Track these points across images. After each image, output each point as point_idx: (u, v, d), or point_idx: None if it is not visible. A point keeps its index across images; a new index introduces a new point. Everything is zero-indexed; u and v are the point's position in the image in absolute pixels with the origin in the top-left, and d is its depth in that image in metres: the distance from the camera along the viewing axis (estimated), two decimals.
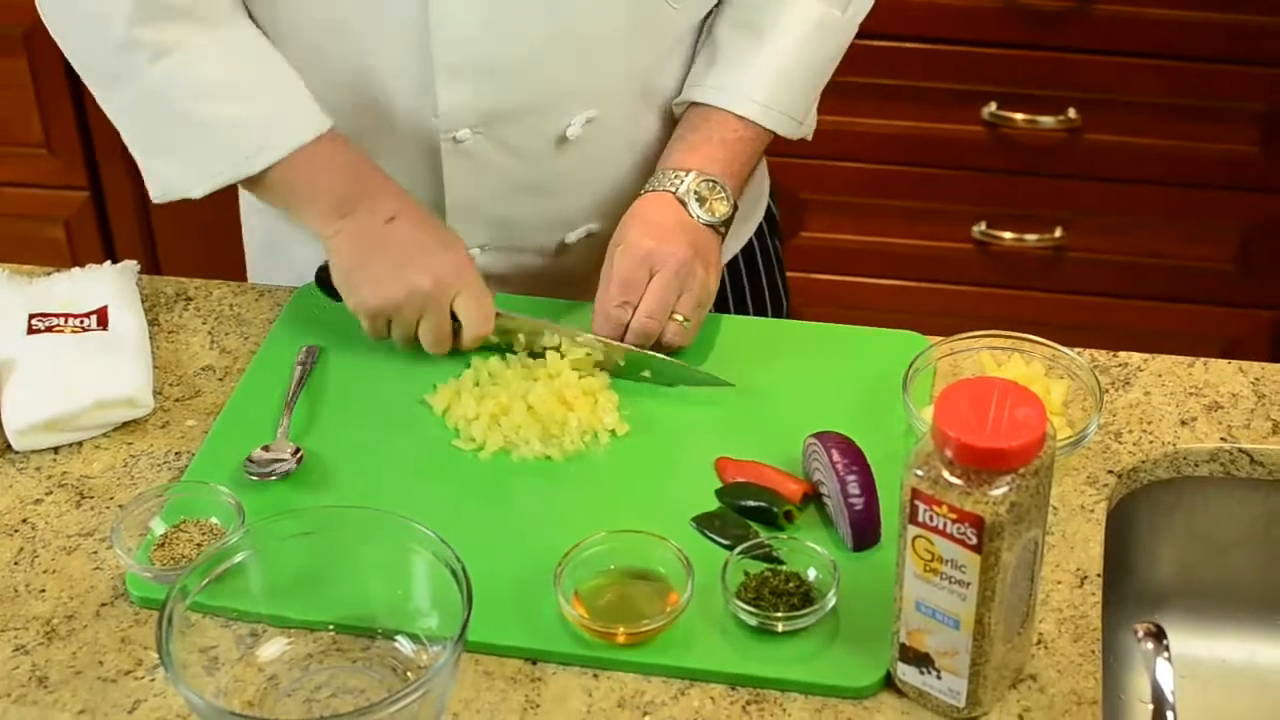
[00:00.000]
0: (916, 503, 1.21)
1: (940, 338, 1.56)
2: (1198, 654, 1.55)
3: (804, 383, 1.57)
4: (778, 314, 1.89)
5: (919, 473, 1.21)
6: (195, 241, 2.85)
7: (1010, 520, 1.19)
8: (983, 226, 2.70)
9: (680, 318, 1.56)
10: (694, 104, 1.66)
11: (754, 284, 1.84)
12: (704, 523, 1.43)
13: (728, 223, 1.62)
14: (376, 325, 1.57)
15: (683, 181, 1.60)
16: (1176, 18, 2.50)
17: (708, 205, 1.60)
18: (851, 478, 1.40)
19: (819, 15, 1.66)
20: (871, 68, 2.53)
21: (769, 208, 1.88)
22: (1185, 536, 1.55)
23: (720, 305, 1.78)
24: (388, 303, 1.55)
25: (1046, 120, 2.59)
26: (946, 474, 1.20)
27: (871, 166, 2.61)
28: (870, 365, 1.58)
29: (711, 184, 1.61)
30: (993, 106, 2.59)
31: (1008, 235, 2.70)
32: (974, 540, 1.19)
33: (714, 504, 1.45)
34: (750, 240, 1.84)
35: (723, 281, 1.79)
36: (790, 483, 1.44)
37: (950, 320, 2.31)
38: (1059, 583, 1.39)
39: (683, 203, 1.59)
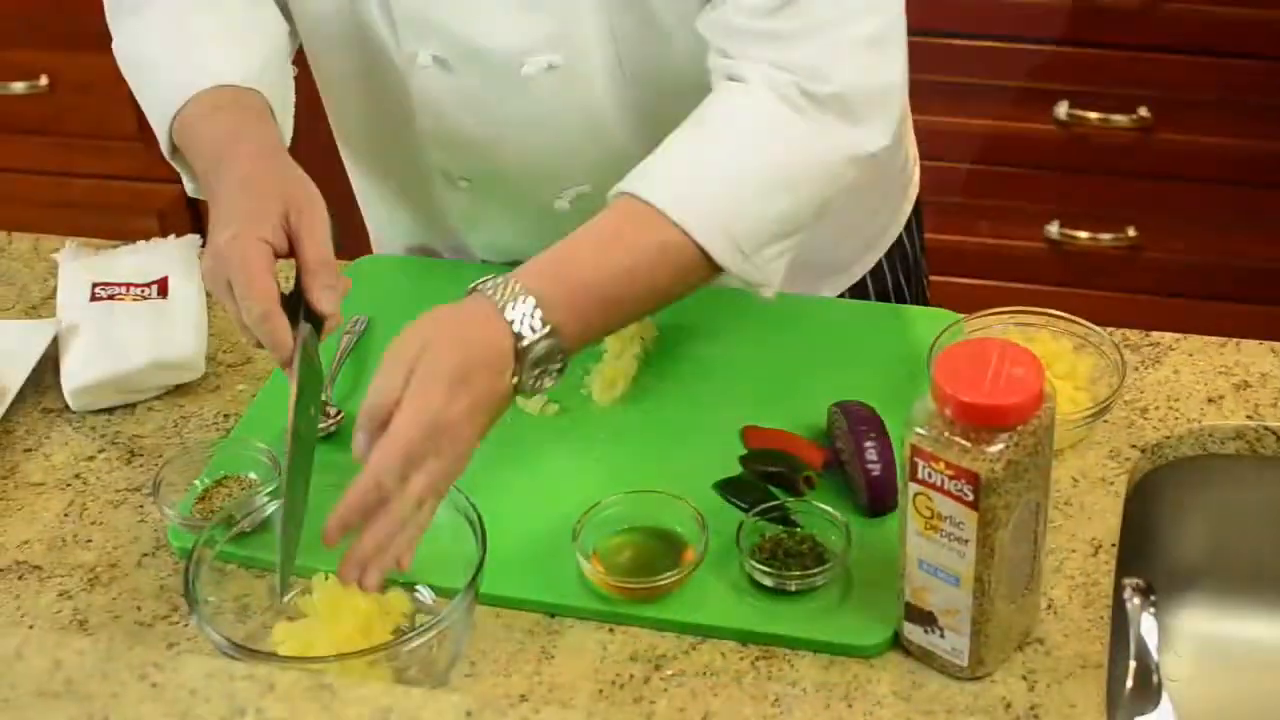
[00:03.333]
0: (916, 460, 1.24)
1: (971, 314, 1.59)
2: (1223, 632, 1.56)
3: (835, 356, 1.60)
4: None
5: (920, 431, 1.23)
6: None
7: (1007, 477, 1.21)
8: (1056, 226, 2.71)
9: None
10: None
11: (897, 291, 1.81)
12: (726, 487, 1.46)
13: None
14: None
15: (518, 306, 1.33)
16: (1247, 16, 2.50)
17: (540, 372, 1.34)
18: (870, 444, 1.42)
19: (770, 114, 1.43)
20: (944, 66, 2.54)
21: (917, 205, 1.82)
22: (1211, 514, 1.56)
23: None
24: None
25: (1119, 119, 2.60)
26: (947, 432, 1.22)
27: (945, 165, 2.62)
28: (902, 341, 1.61)
29: (552, 345, 1.33)
30: (1065, 105, 2.60)
31: (1082, 234, 2.71)
32: (970, 496, 1.22)
33: (738, 470, 1.48)
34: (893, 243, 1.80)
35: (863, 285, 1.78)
36: (812, 450, 1.47)
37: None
38: (1073, 551, 1.40)
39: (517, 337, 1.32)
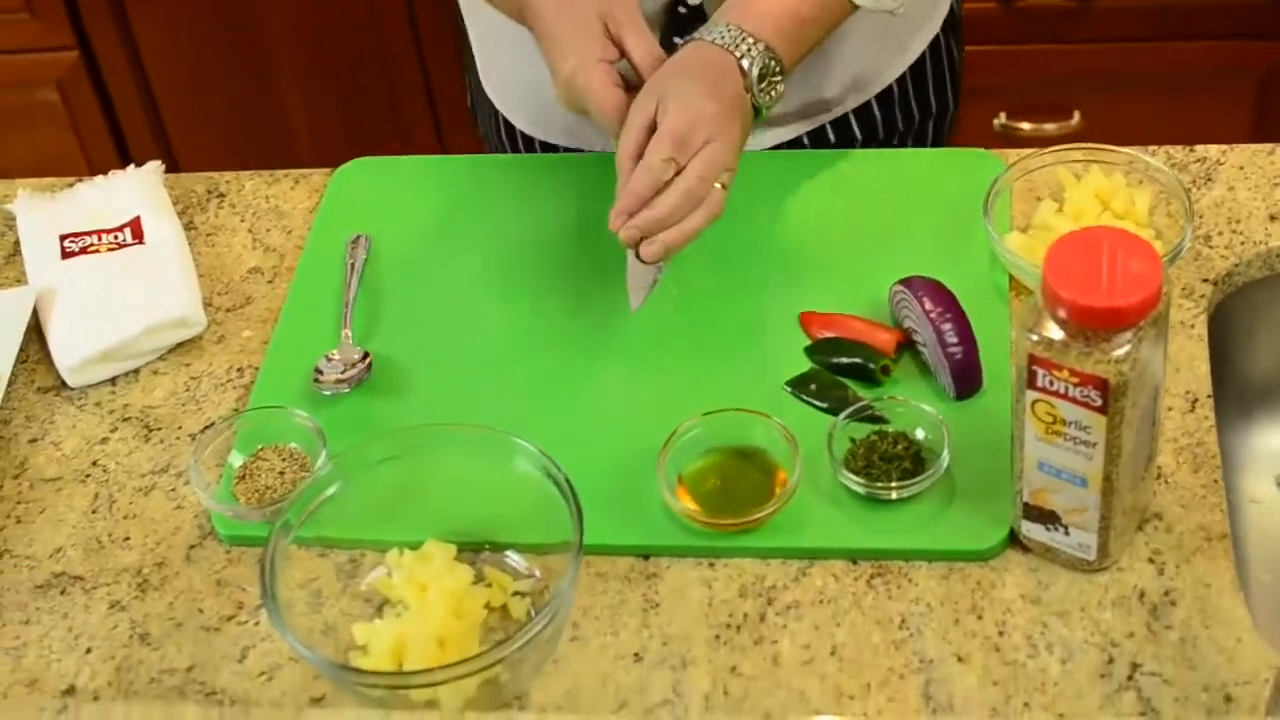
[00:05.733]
0: (1034, 368, 1.16)
1: (1013, 153, 1.50)
2: None
3: (878, 218, 1.50)
4: (937, 136, 1.76)
5: (1033, 337, 1.15)
6: (192, 83, 2.77)
7: (1134, 377, 1.13)
8: None
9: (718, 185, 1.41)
10: None
11: (921, 100, 1.72)
12: (799, 386, 1.37)
13: (771, 108, 1.46)
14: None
15: (751, 50, 1.43)
16: None
17: (766, 87, 1.43)
18: (947, 326, 1.34)
19: None
20: None
21: (951, 8, 1.73)
22: None
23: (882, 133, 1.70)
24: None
25: None
26: (1063, 335, 1.14)
27: None
28: (943, 190, 1.51)
29: (776, 64, 1.44)
30: None
31: None
32: (1099, 402, 1.14)
33: (805, 364, 1.39)
34: (924, 52, 1.70)
35: (889, 100, 1.70)
36: (881, 333, 1.39)
37: (984, 79, 2.23)
38: (1170, 409, 1.34)
39: (744, 73, 1.43)
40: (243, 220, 1.60)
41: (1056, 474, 1.20)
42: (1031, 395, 1.17)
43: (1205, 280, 1.43)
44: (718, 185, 1.40)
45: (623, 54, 1.46)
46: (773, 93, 1.44)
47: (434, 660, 1.21)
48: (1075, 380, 1.14)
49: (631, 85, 1.45)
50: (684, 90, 1.40)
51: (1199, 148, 1.53)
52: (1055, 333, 1.14)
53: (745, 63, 1.42)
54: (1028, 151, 1.48)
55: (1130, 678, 1.19)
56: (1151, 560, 1.25)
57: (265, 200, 1.62)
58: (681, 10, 1.55)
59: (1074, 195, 1.45)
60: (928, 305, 1.35)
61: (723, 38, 1.44)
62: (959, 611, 1.24)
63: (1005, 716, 1.18)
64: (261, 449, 1.37)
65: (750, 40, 1.43)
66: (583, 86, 1.43)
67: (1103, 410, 1.15)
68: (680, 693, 1.21)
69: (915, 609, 1.24)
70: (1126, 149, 1.47)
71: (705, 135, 1.39)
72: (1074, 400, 1.15)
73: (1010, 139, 2.63)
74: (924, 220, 1.49)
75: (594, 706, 1.21)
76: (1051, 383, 1.15)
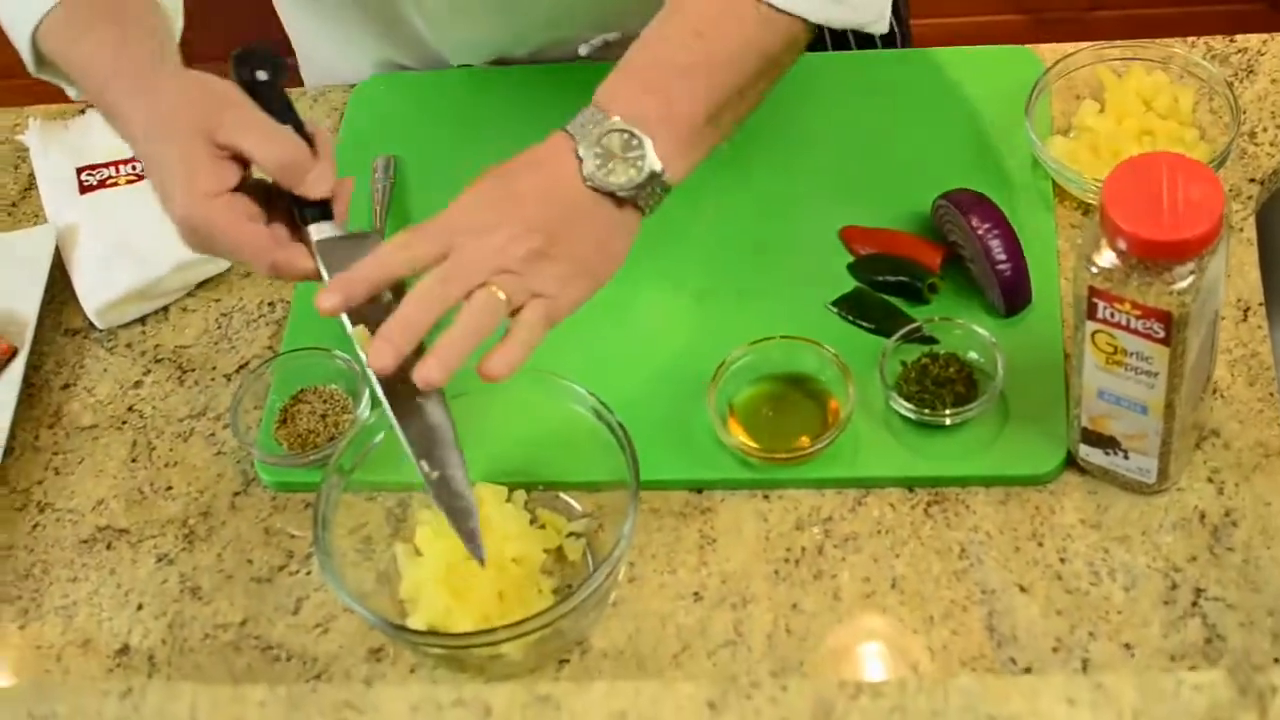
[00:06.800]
0: (1095, 300, 1.13)
1: (1050, 50, 1.47)
2: None
3: (915, 124, 1.46)
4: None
5: (1093, 268, 1.12)
6: None
7: (1196, 307, 1.11)
8: None
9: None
10: None
11: None
12: (845, 306, 1.35)
13: (642, 189, 1.19)
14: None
15: (594, 129, 1.18)
16: None
17: (609, 167, 1.18)
18: (995, 242, 1.31)
19: None
20: None
21: None
22: None
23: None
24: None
25: None
26: (1123, 266, 1.12)
27: None
28: (979, 92, 1.47)
29: (628, 137, 1.17)
30: None
31: None
32: (1161, 334, 1.12)
33: (849, 282, 1.37)
34: None
35: None
36: (926, 249, 1.36)
37: None
38: (1223, 318, 1.32)
39: (580, 159, 1.18)
40: None
41: (1116, 402, 1.18)
42: (1091, 326, 1.15)
43: (1252, 180, 1.40)
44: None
45: (241, 161, 1.19)
46: (619, 174, 1.18)
47: (493, 611, 1.20)
48: (1138, 313, 1.12)
49: (276, 194, 1.21)
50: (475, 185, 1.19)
51: (1239, 38, 1.50)
52: (1115, 262, 1.12)
53: (581, 150, 1.18)
54: (1067, 49, 1.45)
55: (1194, 603, 1.18)
56: (1210, 480, 1.24)
57: None
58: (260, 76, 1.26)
59: (1115, 95, 1.42)
60: (974, 221, 1.32)
61: (571, 122, 1.20)
62: (1019, 539, 1.23)
63: (1070, 647, 1.17)
64: (301, 391, 1.35)
65: (598, 116, 1.19)
66: (204, 227, 1.18)
67: (1165, 342, 1.12)
68: (742, 632, 1.20)
69: (974, 537, 1.23)
70: (1167, 42, 1.43)
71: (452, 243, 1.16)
72: (1136, 332, 1.13)
73: None
74: (963, 125, 1.45)
75: (655, 650, 1.20)
76: (1112, 315, 1.13)
